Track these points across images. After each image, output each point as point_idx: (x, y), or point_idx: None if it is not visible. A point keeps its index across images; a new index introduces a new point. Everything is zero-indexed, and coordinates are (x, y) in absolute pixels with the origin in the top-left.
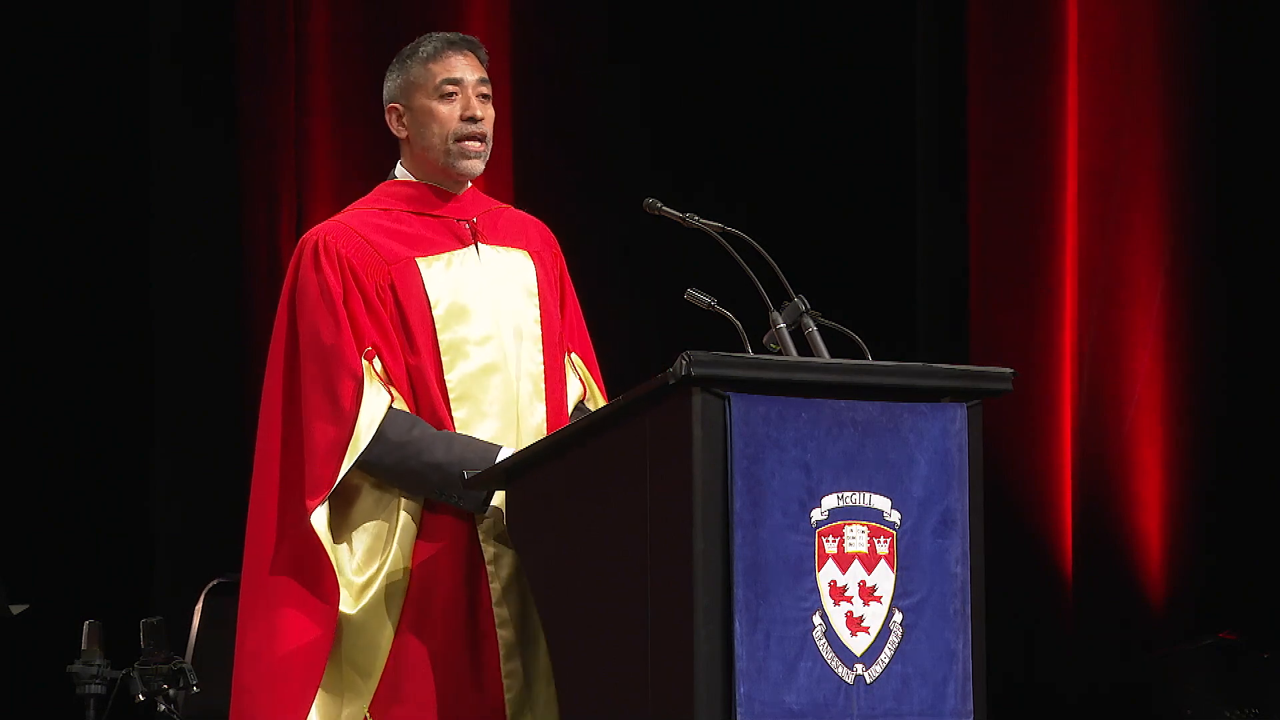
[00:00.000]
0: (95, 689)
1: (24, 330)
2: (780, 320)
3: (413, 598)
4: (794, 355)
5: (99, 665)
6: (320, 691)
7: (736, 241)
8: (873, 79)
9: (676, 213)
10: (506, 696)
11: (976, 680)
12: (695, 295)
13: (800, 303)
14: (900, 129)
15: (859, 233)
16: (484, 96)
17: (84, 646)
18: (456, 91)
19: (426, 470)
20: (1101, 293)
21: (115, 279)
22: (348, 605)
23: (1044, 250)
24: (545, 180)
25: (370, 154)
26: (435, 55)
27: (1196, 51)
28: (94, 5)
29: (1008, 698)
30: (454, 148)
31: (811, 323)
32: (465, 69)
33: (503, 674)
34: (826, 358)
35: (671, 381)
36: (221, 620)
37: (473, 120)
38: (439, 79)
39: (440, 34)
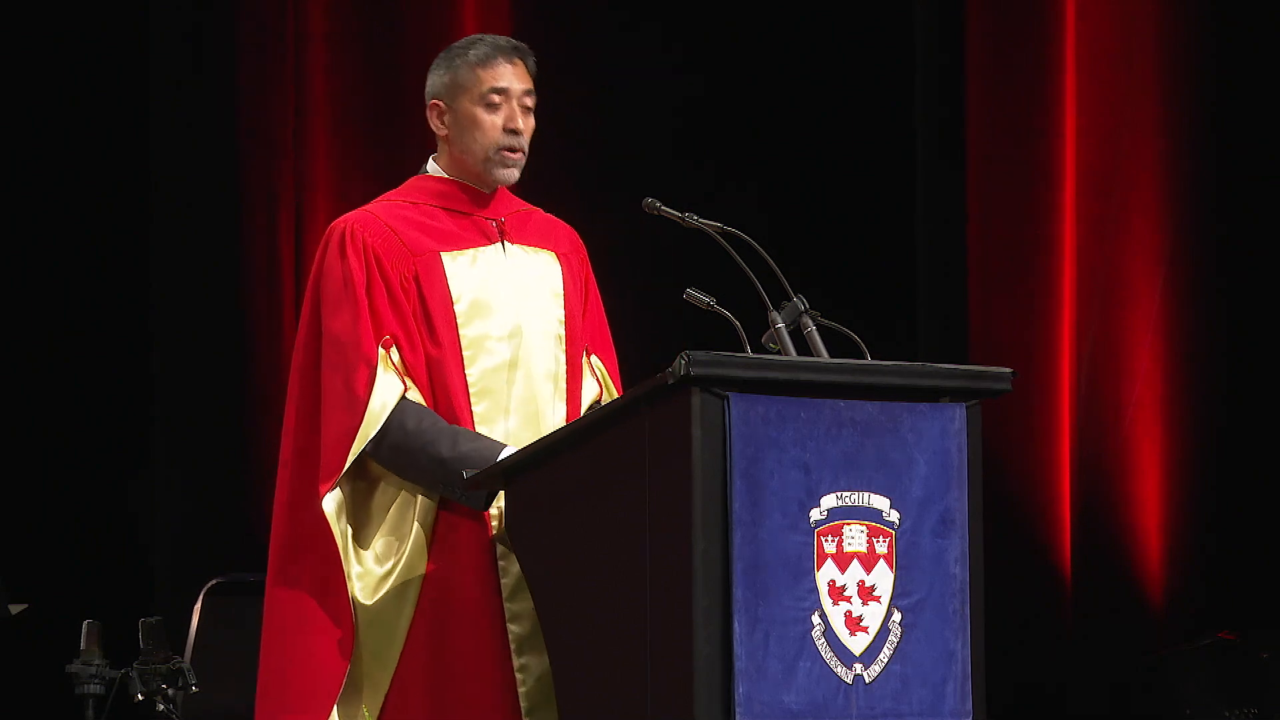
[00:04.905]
0: (94, 689)
1: (24, 331)
2: (779, 320)
3: (427, 591)
4: (793, 355)
5: (98, 665)
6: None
7: (735, 241)
8: (872, 79)
9: (675, 212)
10: (520, 691)
11: (975, 680)
12: (695, 295)
13: (799, 302)
14: (900, 129)
15: (858, 232)
16: (527, 108)
17: (83, 646)
18: (502, 102)
19: (430, 464)
20: (1101, 293)
21: (115, 279)
22: (366, 596)
23: (1043, 250)
24: (544, 177)
25: (369, 154)
26: (485, 61)
27: (1196, 51)
28: (94, 6)
29: (1007, 698)
30: (494, 156)
31: (811, 322)
32: (513, 78)
33: (515, 668)
34: (826, 358)
35: (670, 381)
36: (221, 620)
37: (514, 133)
38: (486, 86)
39: (491, 38)
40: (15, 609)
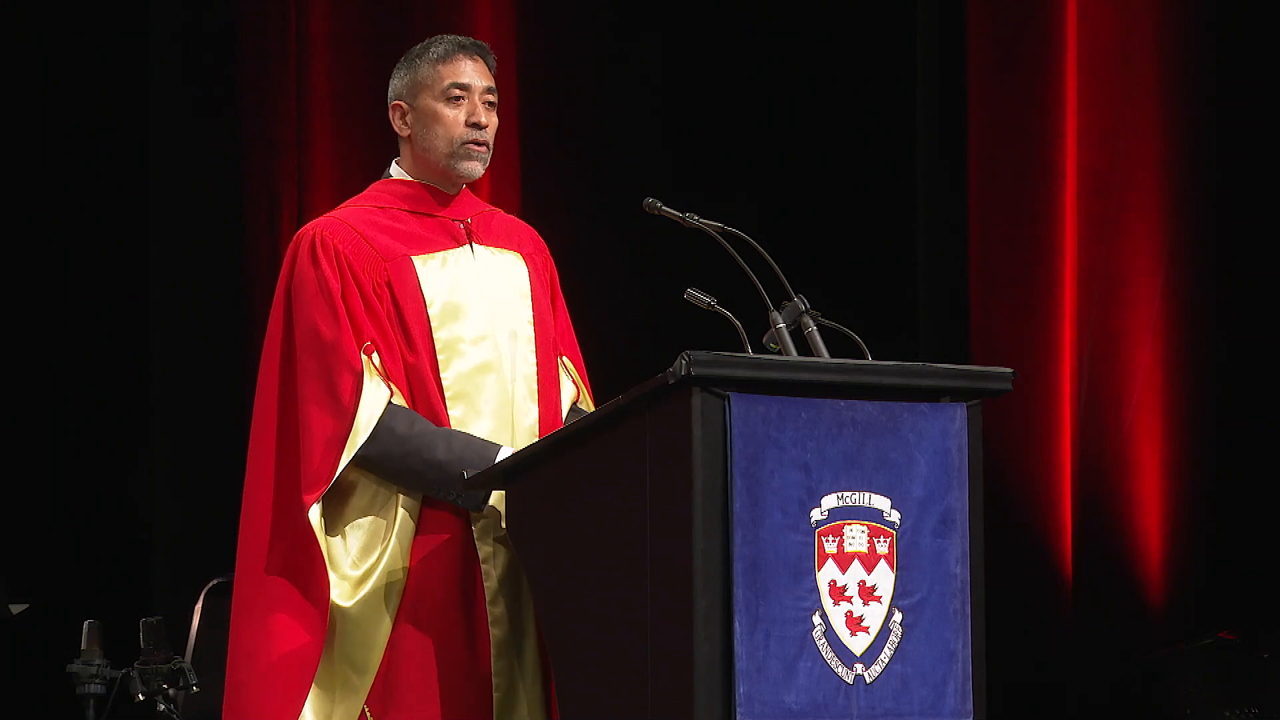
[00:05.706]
0: (95, 689)
1: (24, 330)
2: (780, 320)
3: (409, 594)
4: (794, 355)
5: (99, 665)
6: (315, 688)
7: (736, 241)
8: (872, 79)
9: (676, 212)
10: (495, 696)
11: (976, 680)
12: (695, 295)
13: (800, 302)
14: (900, 129)
15: (859, 232)
16: (490, 104)
17: (84, 646)
18: (464, 96)
19: (426, 468)
20: (1101, 293)
21: (115, 278)
22: (343, 599)
23: (1043, 250)
24: (548, 179)
25: (371, 155)
26: (445, 58)
27: (1196, 51)
28: (95, 6)
29: (1008, 698)
30: (458, 150)
31: (811, 322)
32: (474, 74)
33: (492, 672)
34: (826, 358)
35: (671, 381)
36: (221, 620)
37: (477, 126)
38: (447, 82)
39: (451, 36)
40: (16, 608)
